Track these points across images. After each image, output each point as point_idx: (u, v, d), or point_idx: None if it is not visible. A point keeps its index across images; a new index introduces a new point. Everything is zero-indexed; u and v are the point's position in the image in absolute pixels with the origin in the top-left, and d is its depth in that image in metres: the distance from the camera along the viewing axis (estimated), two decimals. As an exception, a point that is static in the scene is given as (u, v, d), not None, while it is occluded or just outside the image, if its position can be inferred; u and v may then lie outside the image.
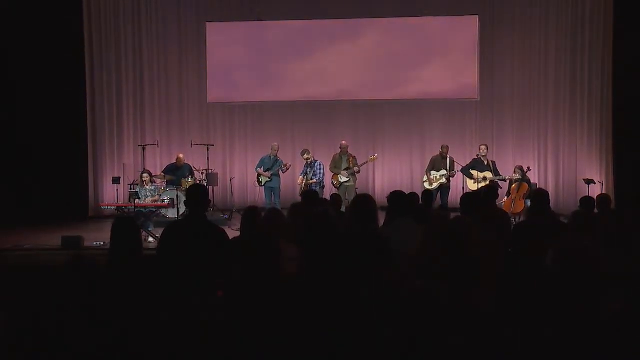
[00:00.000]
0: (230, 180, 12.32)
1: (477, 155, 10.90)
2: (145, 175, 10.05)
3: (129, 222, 4.02)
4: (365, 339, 3.39)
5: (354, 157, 10.89)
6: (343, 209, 7.57)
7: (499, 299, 3.86)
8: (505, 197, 10.36)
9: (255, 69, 12.70)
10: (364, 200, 4.27)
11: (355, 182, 10.81)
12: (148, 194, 9.83)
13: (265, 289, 3.85)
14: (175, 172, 11.13)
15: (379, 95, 12.58)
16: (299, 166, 11.54)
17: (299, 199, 10.20)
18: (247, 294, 3.85)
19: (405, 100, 12.61)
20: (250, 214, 4.57)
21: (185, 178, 10.91)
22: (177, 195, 10.07)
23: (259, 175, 11.09)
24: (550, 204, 5.59)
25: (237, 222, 9.47)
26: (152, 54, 12.72)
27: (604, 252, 3.63)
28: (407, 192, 6.54)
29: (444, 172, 10.69)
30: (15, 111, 11.82)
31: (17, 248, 8.75)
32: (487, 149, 10.83)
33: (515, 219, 9.29)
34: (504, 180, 10.54)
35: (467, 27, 12.31)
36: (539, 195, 5.41)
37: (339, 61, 12.46)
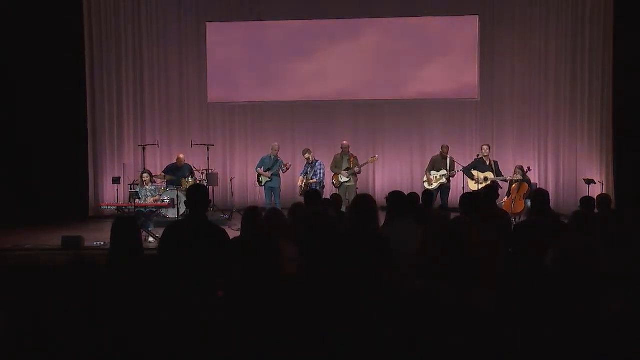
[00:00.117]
0: (231, 181, 12.32)
1: (478, 156, 10.89)
2: (145, 175, 10.05)
3: (129, 222, 4.02)
4: (365, 339, 3.39)
5: (355, 158, 10.89)
6: (343, 208, 7.57)
7: (499, 299, 3.86)
8: (506, 197, 10.36)
9: (255, 69, 12.70)
10: (364, 200, 4.27)
11: (355, 182, 10.80)
12: (148, 194, 9.83)
13: (265, 289, 3.85)
14: (176, 172, 11.13)
15: (379, 95, 12.58)
16: (299, 166, 11.54)
17: (299, 199, 10.24)
18: (247, 294, 3.85)
19: (405, 100, 12.61)
20: (251, 214, 4.57)
21: (185, 178, 10.91)
22: (177, 195, 10.07)
23: (259, 175, 11.09)
24: (551, 204, 5.59)
25: (237, 222, 9.49)
26: (152, 54, 12.72)
27: (604, 252, 3.63)
28: (407, 192, 6.55)
29: (444, 172, 10.69)
30: (15, 111, 11.82)
31: (17, 248, 8.75)
32: (490, 149, 10.80)
33: (515, 219, 9.28)
34: (505, 180, 10.53)
35: (467, 27, 12.31)
36: (539, 195, 5.41)
37: (339, 61, 12.46)
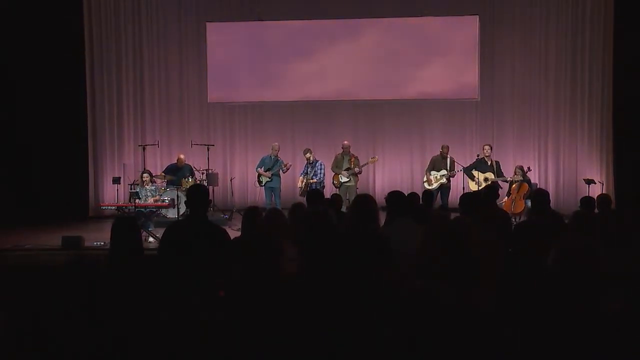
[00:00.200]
0: (231, 181, 12.33)
1: (478, 156, 10.90)
2: (145, 175, 10.05)
3: (128, 222, 4.02)
4: (365, 339, 3.39)
5: (356, 158, 10.89)
6: (344, 208, 7.57)
7: (499, 299, 3.86)
8: (506, 197, 10.36)
9: (255, 69, 12.70)
10: (364, 200, 4.27)
11: (356, 182, 10.80)
12: (148, 194, 9.83)
13: (266, 289, 3.85)
14: (176, 173, 11.13)
15: (379, 95, 12.58)
16: (299, 166, 11.55)
17: (299, 199, 10.25)
18: (247, 294, 3.85)
19: (405, 100, 12.61)
20: (251, 214, 4.57)
21: (185, 178, 10.91)
22: (178, 195, 10.07)
23: (259, 175, 11.09)
24: (551, 204, 5.59)
25: (237, 222, 9.50)
26: (152, 54, 12.73)
27: (604, 252, 3.62)
28: (407, 192, 6.55)
29: (444, 172, 10.69)
30: (15, 111, 11.82)
31: (17, 248, 8.75)
32: (491, 149, 10.79)
33: (515, 219, 9.28)
34: (505, 181, 10.52)
35: (467, 27, 12.31)
36: (539, 195, 5.41)
37: (339, 61, 12.46)
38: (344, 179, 10.72)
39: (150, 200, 9.73)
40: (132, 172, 12.15)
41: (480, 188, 9.92)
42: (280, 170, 11.00)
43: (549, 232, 4.55)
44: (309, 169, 10.81)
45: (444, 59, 12.40)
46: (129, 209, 9.28)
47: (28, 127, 11.70)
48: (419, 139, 12.73)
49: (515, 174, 10.34)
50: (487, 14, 12.33)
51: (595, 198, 6.98)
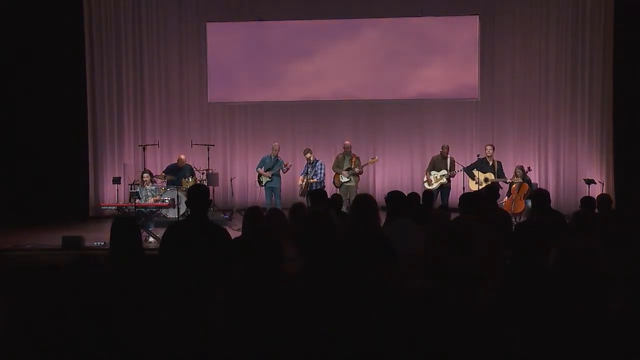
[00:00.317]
0: (231, 180, 12.33)
1: (479, 156, 10.90)
2: (145, 175, 10.05)
3: (128, 222, 4.01)
4: (365, 339, 3.39)
5: (357, 158, 10.88)
6: (344, 208, 7.57)
7: (500, 299, 3.86)
8: (506, 197, 10.35)
9: (255, 69, 12.70)
10: (365, 200, 4.27)
11: (356, 182, 10.79)
12: (149, 194, 9.83)
13: (266, 289, 3.85)
14: (176, 173, 11.13)
15: (379, 95, 12.58)
16: (300, 166, 11.54)
17: (300, 199, 10.25)
18: (247, 293, 3.85)
19: (405, 100, 12.61)
20: (252, 214, 4.57)
21: (185, 178, 10.91)
22: (178, 196, 10.07)
23: (259, 175, 11.09)
24: (551, 204, 5.60)
25: (237, 222, 9.50)
26: (152, 54, 12.73)
27: (604, 252, 3.63)
28: (407, 192, 6.55)
29: (444, 172, 10.68)
30: (15, 111, 11.82)
31: (17, 248, 8.75)
32: (493, 149, 10.76)
33: (515, 219, 9.28)
34: (505, 182, 10.50)
35: (467, 27, 12.31)
36: (539, 196, 5.42)
37: (339, 61, 12.45)
38: (344, 179, 10.72)
39: (151, 200, 9.73)
40: (132, 172, 12.15)
41: (480, 188, 9.92)
42: (281, 170, 10.99)
43: (550, 232, 4.55)
44: (309, 169, 10.81)
45: (444, 59, 12.39)
46: (129, 209, 9.28)
47: (28, 127, 11.70)
48: (419, 139, 12.72)
49: (516, 174, 10.32)
50: (487, 14, 12.32)
51: (596, 198, 6.97)
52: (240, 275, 3.92)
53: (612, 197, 9.69)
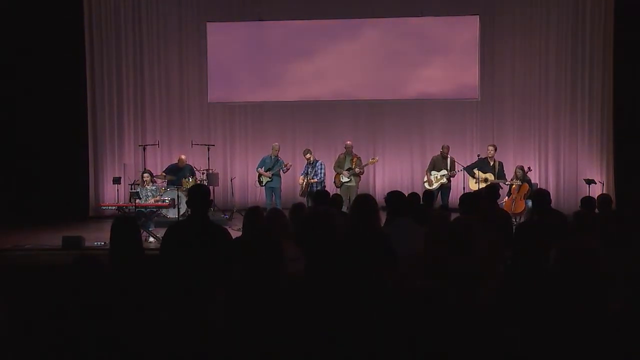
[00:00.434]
0: (231, 180, 12.33)
1: (479, 156, 10.90)
2: (146, 175, 10.05)
3: (128, 222, 4.01)
4: (365, 339, 3.38)
5: (359, 158, 10.88)
6: (344, 208, 7.57)
7: (500, 299, 3.86)
8: (506, 197, 10.35)
9: (256, 69, 12.70)
10: (365, 200, 4.27)
11: (357, 182, 10.78)
12: (149, 194, 9.83)
13: (266, 289, 3.84)
14: (177, 173, 11.13)
15: (379, 95, 12.57)
16: (300, 166, 11.54)
17: (300, 199, 10.25)
18: (247, 293, 3.85)
19: (405, 100, 12.61)
20: (253, 214, 4.56)
21: (185, 178, 10.91)
22: (178, 196, 10.07)
23: (259, 175, 11.09)
24: (551, 204, 5.59)
25: (237, 222, 9.50)
26: (152, 54, 12.73)
27: (604, 252, 3.63)
28: (407, 192, 6.55)
29: (444, 172, 10.68)
30: (15, 111, 11.82)
31: (17, 248, 8.75)
32: (495, 150, 10.74)
33: (515, 219, 9.28)
34: (505, 184, 10.45)
35: (467, 27, 12.31)
36: (540, 195, 5.42)
37: (339, 61, 12.45)
38: (345, 179, 10.72)
39: (151, 201, 9.73)
40: (132, 172, 12.15)
41: (479, 187, 9.91)
42: (281, 170, 10.99)
43: (550, 232, 4.55)
44: (309, 169, 10.80)
45: (444, 59, 12.39)
46: (130, 209, 9.28)
47: (28, 127, 11.70)
48: (419, 139, 12.72)
49: (516, 175, 10.30)
50: (487, 14, 12.31)
51: (596, 198, 6.97)
52: (240, 275, 3.92)
53: (612, 197, 9.68)
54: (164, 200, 9.89)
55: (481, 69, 12.34)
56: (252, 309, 3.76)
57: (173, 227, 4.21)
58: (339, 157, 11.05)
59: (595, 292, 3.01)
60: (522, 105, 12.40)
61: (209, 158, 11.66)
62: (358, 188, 10.74)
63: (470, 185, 10.61)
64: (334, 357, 3.36)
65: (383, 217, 4.76)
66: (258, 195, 12.05)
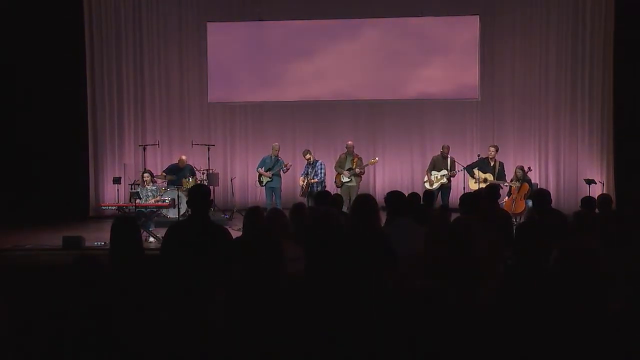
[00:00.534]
0: (231, 180, 12.33)
1: (479, 156, 10.90)
2: (146, 174, 10.05)
3: (128, 222, 4.01)
4: (365, 339, 3.38)
5: (360, 158, 10.87)
6: (345, 209, 7.57)
7: (500, 299, 3.85)
8: (506, 197, 10.34)
9: (256, 69, 12.69)
10: (365, 200, 4.27)
11: (358, 182, 10.77)
12: (149, 194, 9.82)
13: (266, 289, 3.84)
14: (177, 173, 11.13)
15: (379, 95, 12.57)
16: (300, 166, 11.54)
17: (300, 199, 10.25)
18: (247, 293, 3.85)
19: (405, 100, 12.60)
20: (253, 214, 4.56)
21: (186, 178, 10.91)
22: (178, 196, 10.07)
23: (260, 175, 11.09)
24: (551, 204, 5.59)
25: (237, 222, 9.50)
26: (152, 54, 12.72)
27: (604, 252, 3.63)
28: (407, 192, 6.55)
29: (444, 172, 10.68)
30: (15, 111, 11.82)
31: (18, 248, 8.75)
32: (496, 151, 10.71)
33: (516, 219, 9.27)
34: (504, 184, 10.41)
35: (467, 27, 12.30)
36: (540, 195, 5.42)
37: (339, 61, 12.45)
38: (345, 179, 10.72)
39: (151, 201, 9.72)
40: (132, 172, 12.14)
41: (479, 187, 9.90)
42: (281, 170, 10.99)
43: (551, 232, 4.55)
44: (309, 170, 10.80)
45: (444, 59, 12.39)
46: (130, 209, 9.28)
47: (28, 127, 11.69)
48: (419, 139, 12.72)
49: (516, 175, 10.28)
50: (487, 14, 12.31)
51: (596, 198, 6.97)
52: (241, 275, 3.92)
53: (612, 197, 9.68)
54: (164, 200, 9.89)
55: (481, 69, 12.34)
56: (252, 309, 3.76)
57: (173, 227, 4.21)
58: (340, 157, 11.05)
59: (595, 292, 3.01)
60: (522, 105, 12.40)
61: (209, 158, 11.66)
62: (359, 188, 10.74)
63: (469, 184, 10.61)
64: (334, 357, 3.36)
65: (383, 217, 4.76)
66: (258, 195, 12.04)
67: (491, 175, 10.45)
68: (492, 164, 10.58)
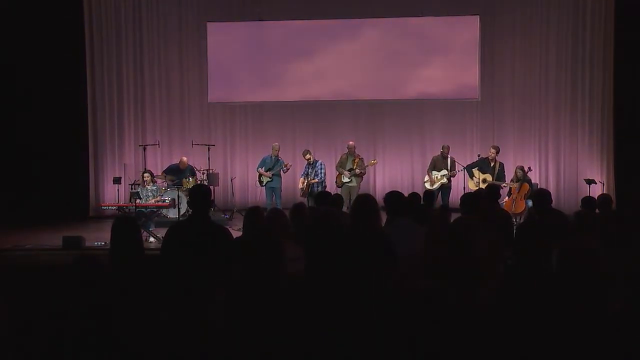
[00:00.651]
0: (231, 180, 12.33)
1: (479, 156, 10.90)
2: (146, 174, 10.05)
3: (128, 222, 4.01)
4: (365, 339, 3.39)
5: (361, 159, 10.87)
6: (345, 209, 7.58)
7: (500, 299, 3.85)
8: (507, 197, 10.34)
9: (256, 69, 12.70)
10: (365, 200, 4.27)
11: (358, 183, 10.77)
12: (150, 194, 9.82)
13: (266, 289, 3.85)
14: (177, 174, 11.13)
15: (379, 95, 12.57)
16: (300, 166, 11.54)
17: (300, 199, 10.25)
18: (247, 293, 3.85)
19: (405, 100, 12.60)
20: (253, 213, 4.57)
21: (186, 178, 10.91)
22: (178, 196, 10.07)
23: (260, 175, 11.09)
24: (552, 204, 5.59)
25: (238, 222, 9.50)
26: (152, 54, 12.72)
27: (604, 252, 3.63)
28: (408, 192, 6.56)
29: (444, 172, 10.68)
30: (15, 111, 11.82)
31: (18, 248, 8.75)
32: (497, 152, 10.68)
33: (516, 219, 9.27)
34: (503, 185, 10.38)
35: (467, 27, 12.31)
36: (540, 195, 5.42)
37: (339, 61, 12.45)
38: (345, 179, 10.72)
39: (152, 201, 9.72)
40: (132, 172, 12.15)
41: (478, 188, 9.89)
42: (281, 170, 10.99)
43: (551, 232, 4.55)
44: (309, 170, 10.80)
45: (444, 59, 12.39)
46: (130, 209, 9.28)
47: (28, 127, 11.69)
48: (419, 139, 12.72)
49: (516, 175, 10.27)
50: (487, 14, 12.31)
51: (596, 198, 6.97)
52: (241, 275, 3.92)
53: (613, 197, 9.68)
54: (164, 200, 9.89)
55: (481, 69, 12.35)
56: (252, 309, 3.76)
57: (174, 227, 4.21)
58: (341, 157, 11.05)
59: (595, 292, 3.01)
60: (522, 105, 12.40)
61: (209, 158, 11.66)
62: (359, 188, 10.74)
63: (469, 185, 10.60)
64: (334, 357, 3.36)
65: (383, 217, 4.76)
66: (258, 195, 12.04)
67: (490, 176, 10.45)
68: (492, 164, 10.57)
